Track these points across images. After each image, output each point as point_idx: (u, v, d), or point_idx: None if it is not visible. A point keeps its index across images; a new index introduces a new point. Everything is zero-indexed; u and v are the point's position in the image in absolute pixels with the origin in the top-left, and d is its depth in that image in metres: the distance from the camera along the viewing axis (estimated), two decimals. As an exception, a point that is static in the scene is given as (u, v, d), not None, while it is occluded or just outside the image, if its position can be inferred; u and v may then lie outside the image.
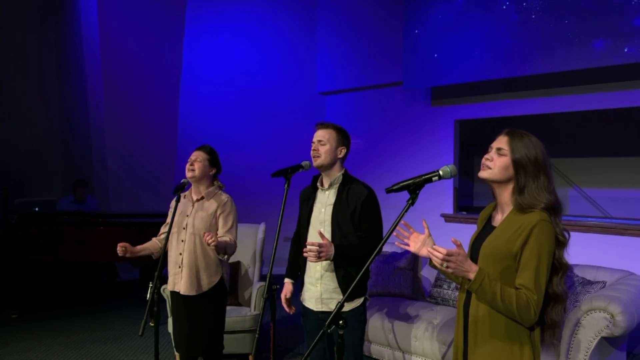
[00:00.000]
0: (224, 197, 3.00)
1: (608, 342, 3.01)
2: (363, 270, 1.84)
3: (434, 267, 1.78)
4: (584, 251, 4.33)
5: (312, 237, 2.56)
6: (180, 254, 2.94)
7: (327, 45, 7.08)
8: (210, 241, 2.59)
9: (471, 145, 6.26)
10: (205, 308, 2.92)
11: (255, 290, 3.98)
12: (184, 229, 2.94)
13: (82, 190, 5.99)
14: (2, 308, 5.27)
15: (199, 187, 2.99)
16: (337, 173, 2.55)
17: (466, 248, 1.86)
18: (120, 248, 2.83)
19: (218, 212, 2.94)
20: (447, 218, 5.73)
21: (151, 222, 4.93)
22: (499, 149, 1.75)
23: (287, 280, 2.75)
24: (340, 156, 2.54)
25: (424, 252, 1.84)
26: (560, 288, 1.70)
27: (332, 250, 2.33)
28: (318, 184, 2.62)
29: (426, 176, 1.75)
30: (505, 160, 1.72)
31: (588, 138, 5.84)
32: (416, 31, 5.64)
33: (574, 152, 5.92)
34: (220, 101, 7.29)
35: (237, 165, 6.26)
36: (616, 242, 4.61)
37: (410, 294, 4.03)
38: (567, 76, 4.82)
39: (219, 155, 3.08)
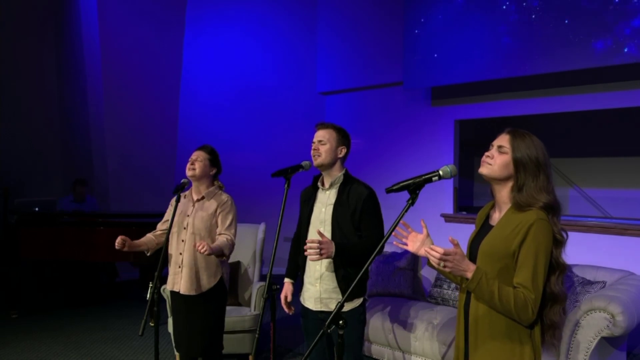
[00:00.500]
0: (225, 197, 3.00)
1: (608, 342, 3.01)
2: (363, 270, 1.84)
3: (432, 266, 1.78)
4: (584, 251, 4.33)
5: (312, 236, 2.56)
6: (181, 253, 2.94)
7: (327, 45, 7.08)
8: (202, 251, 2.61)
9: (471, 145, 6.26)
10: (205, 308, 2.92)
11: (255, 290, 3.98)
12: (184, 228, 2.94)
13: (81, 189, 5.99)
14: (2, 308, 5.27)
15: (199, 187, 3.00)
16: (337, 173, 2.55)
17: (464, 248, 1.87)
18: (120, 240, 2.84)
19: (218, 211, 2.94)
20: (447, 218, 5.73)
21: (151, 222, 4.91)
22: (500, 147, 1.75)
23: (287, 280, 2.75)
24: (340, 156, 2.55)
25: (422, 251, 1.84)
26: (557, 288, 1.70)
27: (332, 248, 2.33)
28: (319, 183, 2.62)
29: (426, 176, 1.75)
30: (506, 158, 1.73)
31: (588, 138, 5.84)
32: (416, 31, 5.64)
33: (574, 152, 5.92)
34: (220, 101, 7.29)
35: (237, 165, 6.26)
36: (616, 242, 4.61)
37: (410, 294, 4.02)
38: (567, 76, 4.82)
39: (219, 155, 3.09)
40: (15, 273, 5.27)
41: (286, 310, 2.71)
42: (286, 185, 2.56)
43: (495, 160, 1.74)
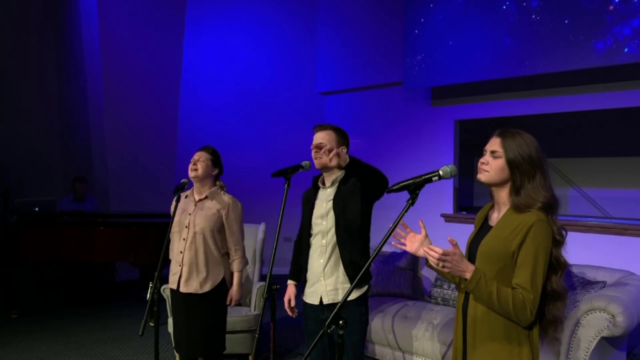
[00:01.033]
0: (227, 197, 3.00)
1: (608, 342, 3.01)
2: (366, 266, 1.85)
3: (431, 267, 1.79)
4: (584, 251, 4.33)
5: (316, 233, 2.58)
6: (182, 252, 2.94)
7: (327, 45, 7.08)
8: (234, 303, 3.02)
9: (471, 145, 6.26)
10: (206, 307, 2.92)
11: (255, 290, 3.98)
12: (186, 227, 2.94)
13: (80, 187, 5.96)
14: (2, 308, 5.27)
15: (201, 187, 3.00)
16: (338, 172, 2.57)
17: (463, 248, 1.87)
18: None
19: (223, 215, 2.95)
20: (447, 218, 5.73)
21: (151, 222, 4.93)
22: (493, 152, 1.76)
23: (290, 283, 2.75)
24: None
25: (420, 252, 1.84)
26: (559, 286, 1.71)
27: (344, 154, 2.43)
28: (319, 183, 2.63)
29: (426, 176, 1.75)
30: (500, 162, 1.73)
31: (588, 138, 5.84)
32: (416, 31, 5.64)
33: (574, 152, 5.92)
34: (220, 101, 7.29)
35: (237, 165, 6.26)
36: (616, 242, 4.61)
37: (410, 294, 4.02)
38: (567, 76, 4.82)
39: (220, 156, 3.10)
40: (15, 273, 5.27)
41: (289, 313, 2.71)
42: (286, 185, 2.56)
43: (491, 166, 1.75)
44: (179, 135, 7.25)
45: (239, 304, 4.08)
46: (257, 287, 3.99)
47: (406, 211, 1.70)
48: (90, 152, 6.71)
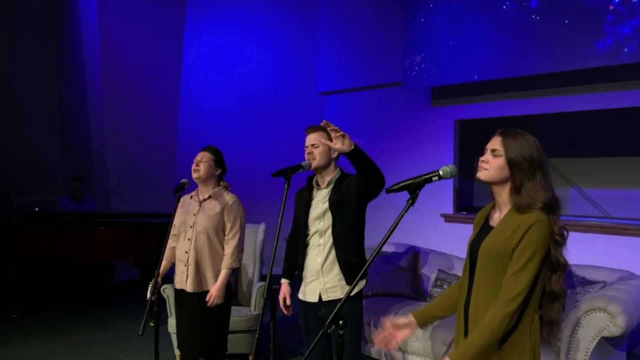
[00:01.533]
0: (229, 197, 3.00)
1: (608, 342, 3.01)
2: (365, 267, 1.84)
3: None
4: (584, 251, 4.32)
5: (312, 234, 2.60)
6: (186, 252, 2.94)
7: (327, 45, 7.08)
8: (211, 303, 2.87)
9: (471, 145, 6.26)
10: (211, 307, 2.92)
11: (255, 290, 3.98)
12: (190, 227, 2.95)
13: (78, 186, 5.94)
14: (2, 308, 5.27)
15: (205, 188, 3.01)
16: (332, 172, 2.61)
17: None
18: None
19: (225, 214, 2.95)
20: (447, 218, 5.73)
21: (151, 222, 4.93)
22: (493, 150, 1.75)
23: (284, 281, 2.76)
24: (334, 156, 2.60)
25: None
26: (558, 286, 1.70)
27: (349, 139, 2.34)
28: (314, 183, 2.65)
29: (426, 176, 1.75)
30: (500, 160, 1.73)
31: (588, 138, 5.84)
32: (416, 31, 5.64)
33: (574, 152, 5.92)
34: (220, 101, 7.29)
35: (237, 165, 6.23)
36: (616, 242, 4.60)
37: (410, 294, 4.02)
38: (567, 76, 4.82)
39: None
40: (15, 273, 5.27)
41: (284, 311, 2.73)
42: (286, 185, 2.57)
43: (491, 164, 1.74)
44: (179, 136, 7.25)
45: (238, 303, 4.10)
46: (257, 287, 3.99)
47: (406, 211, 1.70)
48: (90, 152, 6.71)
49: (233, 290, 3.08)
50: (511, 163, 1.70)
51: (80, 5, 6.54)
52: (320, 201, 2.59)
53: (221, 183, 3.06)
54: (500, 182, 1.75)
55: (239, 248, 3.01)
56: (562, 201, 1.75)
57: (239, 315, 3.82)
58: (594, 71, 4.57)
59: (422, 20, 5.58)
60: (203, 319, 2.93)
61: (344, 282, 2.53)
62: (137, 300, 5.70)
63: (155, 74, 6.96)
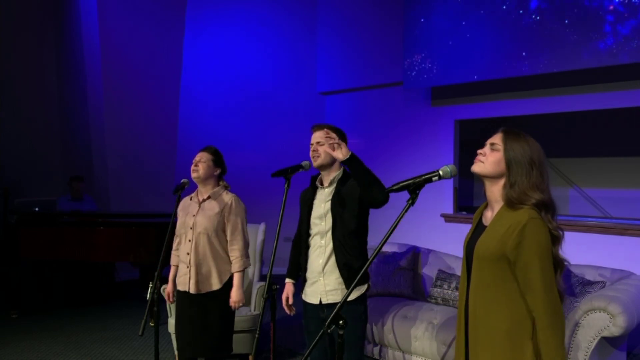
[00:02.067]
0: (228, 197, 3.00)
1: (608, 342, 3.01)
2: (364, 269, 1.85)
3: None
4: (584, 251, 4.33)
5: (314, 233, 2.59)
6: (188, 253, 2.94)
7: (327, 45, 7.08)
8: (237, 306, 2.95)
9: (471, 145, 6.24)
10: (213, 308, 2.92)
11: (255, 290, 3.98)
12: (191, 228, 2.95)
13: (77, 185, 5.94)
14: (2, 308, 5.27)
15: (204, 188, 3.01)
16: (336, 171, 2.59)
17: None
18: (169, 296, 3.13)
19: (226, 214, 2.95)
20: (447, 218, 5.73)
21: (151, 222, 4.93)
22: (492, 144, 1.75)
23: (288, 281, 2.76)
24: None
25: None
26: (558, 286, 1.68)
27: (347, 149, 2.31)
28: (317, 183, 2.64)
29: (426, 176, 1.75)
30: (498, 155, 1.72)
31: (588, 138, 5.84)
32: (416, 31, 5.64)
33: (574, 152, 5.92)
34: (220, 101, 7.29)
35: (237, 165, 6.24)
36: (616, 242, 4.61)
37: (410, 294, 4.02)
38: (567, 76, 4.82)
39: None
40: (15, 273, 5.27)
41: (287, 311, 2.73)
42: (286, 185, 2.57)
43: (487, 158, 1.74)
44: (179, 136, 7.25)
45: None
46: (257, 287, 3.99)
47: (406, 211, 1.70)
48: (90, 152, 6.71)
49: None
50: (509, 160, 1.69)
51: (80, 5, 6.54)
52: (322, 200, 2.58)
53: (220, 183, 3.06)
54: (494, 177, 1.73)
55: (245, 248, 3.00)
56: (562, 201, 1.75)
57: (239, 315, 3.82)
58: (594, 71, 4.57)
59: (422, 20, 5.58)
60: (207, 319, 2.92)
61: (344, 286, 2.52)
62: (137, 300, 5.70)
63: (155, 74, 6.96)
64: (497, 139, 1.74)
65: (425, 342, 3.45)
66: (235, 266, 2.97)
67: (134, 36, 6.73)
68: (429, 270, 4.13)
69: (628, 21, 4.23)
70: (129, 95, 6.78)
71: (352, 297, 2.50)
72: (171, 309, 3.86)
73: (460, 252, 4.60)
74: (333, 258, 2.53)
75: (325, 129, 2.57)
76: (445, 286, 3.89)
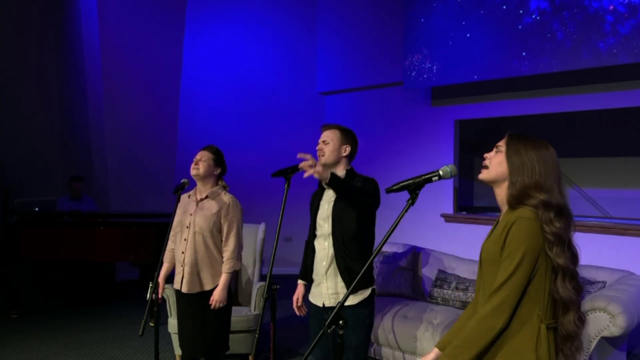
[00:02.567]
0: (227, 197, 3.00)
1: (608, 342, 3.01)
2: (360, 273, 1.83)
3: None
4: (584, 251, 4.29)
5: (320, 236, 2.59)
6: (183, 252, 2.94)
7: (327, 45, 7.08)
8: (216, 305, 2.88)
9: (471, 145, 6.26)
10: (208, 307, 2.92)
11: (255, 290, 3.98)
12: (187, 227, 2.95)
13: (77, 186, 5.94)
14: (2, 308, 5.27)
15: (203, 187, 3.01)
16: (341, 171, 2.59)
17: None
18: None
19: (222, 214, 2.95)
20: (447, 218, 5.73)
21: (151, 222, 4.93)
22: (497, 147, 1.73)
23: (299, 282, 2.77)
24: (344, 154, 2.58)
25: None
26: (565, 293, 1.57)
27: (326, 172, 2.35)
28: (324, 183, 2.64)
29: (426, 176, 1.74)
30: (500, 156, 1.69)
31: (588, 138, 5.84)
32: (416, 31, 5.64)
33: (574, 152, 5.92)
34: (220, 101, 7.29)
35: (237, 165, 6.25)
36: (616, 242, 4.61)
37: (410, 294, 4.02)
38: (567, 76, 4.82)
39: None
40: (15, 273, 5.27)
41: (297, 312, 2.74)
42: (286, 185, 2.57)
43: (491, 161, 1.71)
44: (179, 135, 7.25)
45: (238, 304, 4.10)
46: (257, 287, 3.99)
47: (406, 211, 1.70)
48: (90, 152, 6.71)
49: (233, 290, 3.08)
50: (510, 159, 1.66)
51: (80, 5, 6.54)
52: (326, 201, 2.59)
53: (219, 183, 3.06)
54: (499, 181, 1.70)
55: (238, 250, 3.00)
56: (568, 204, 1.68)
57: (239, 315, 3.82)
58: (594, 71, 4.57)
59: (422, 20, 5.58)
60: (202, 319, 2.93)
61: (345, 290, 2.50)
62: (137, 300, 5.70)
63: (155, 74, 6.97)
64: (501, 141, 1.72)
65: (426, 342, 3.45)
66: (225, 267, 2.96)
67: (134, 36, 6.73)
68: (429, 270, 4.13)
69: (628, 21, 4.23)
70: (129, 95, 6.78)
71: (355, 301, 2.49)
72: (171, 308, 3.86)
73: (460, 252, 4.61)
74: (335, 261, 2.52)
75: (336, 128, 2.58)
76: (445, 286, 3.89)
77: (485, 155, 1.76)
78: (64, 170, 7.11)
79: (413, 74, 5.69)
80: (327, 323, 1.71)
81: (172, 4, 7.06)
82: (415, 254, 4.21)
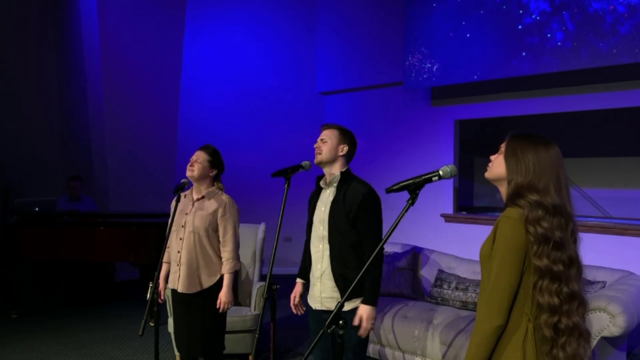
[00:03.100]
0: (223, 199, 2.99)
1: (608, 342, 3.01)
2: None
3: None
4: (584, 251, 4.30)
5: (316, 235, 2.58)
6: (179, 252, 2.94)
7: (327, 45, 7.08)
8: (223, 308, 2.89)
9: (471, 145, 6.26)
10: (205, 307, 2.92)
11: (255, 290, 3.98)
12: (182, 227, 2.94)
13: (75, 185, 5.93)
14: (2, 308, 5.27)
15: (199, 187, 3.00)
16: (337, 171, 2.55)
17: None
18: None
19: (219, 215, 2.95)
20: (447, 218, 5.73)
21: (151, 222, 4.93)
22: (499, 148, 1.74)
23: (298, 281, 2.76)
24: (341, 154, 2.54)
25: None
26: (540, 294, 1.52)
27: (372, 313, 2.41)
28: (321, 183, 2.63)
29: (426, 176, 1.74)
30: (500, 156, 1.70)
31: (588, 138, 5.84)
32: (416, 31, 5.64)
33: (574, 152, 5.92)
34: (220, 101, 7.29)
35: (237, 165, 6.26)
36: (616, 242, 4.61)
37: (410, 294, 4.03)
38: (567, 76, 4.82)
39: (221, 156, 3.09)
40: (15, 273, 5.27)
41: (294, 310, 2.73)
42: (286, 186, 2.56)
43: (493, 162, 1.72)
44: (179, 135, 7.25)
45: (238, 304, 4.10)
46: (257, 287, 3.99)
47: (406, 211, 1.70)
48: (90, 152, 6.71)
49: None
50: (507, 158, 1.66)
51: (80, 5, 6.54)
52: (323, 202, 2.57)
53: (215, 184, 3.05)
54: (500, 180, 1.70)
55: (236, 250, 2.99)
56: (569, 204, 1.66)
57: (239, 315, 3.83)
58: (594, 71, 4.57)
59: (422, 20, 5.58)
60: (198, 319, 2.92)
61: (338, 294, 2.47)
62: (137, 300, 5.70)
63: (155, 74, 6.97)
64: (504, 142, 1.73)
65: (425, 342, 3.45)
66: (226, 268, 2.95)
67: (134, 36, 6.74)
68: (429, 270, 4.13)
69: (628, 21, 4.23)
70: (129, 95, 6.78)
71: (354, 305, 2.47)
72: (171, 308, 3.86)
73: (460, 252, 4.60)
74: (329, 266, 2.50)
75: (336, 128, 2.58)
76: (445, 286, 3.89)
77: (490, 157, 1.77)
78: (64, 170, 7.11)
79: (413, 74, 5.69)
80: (327, 323, 1.71)
81: (172, 4, 7.06)
82: (415, 254, 4.21)
